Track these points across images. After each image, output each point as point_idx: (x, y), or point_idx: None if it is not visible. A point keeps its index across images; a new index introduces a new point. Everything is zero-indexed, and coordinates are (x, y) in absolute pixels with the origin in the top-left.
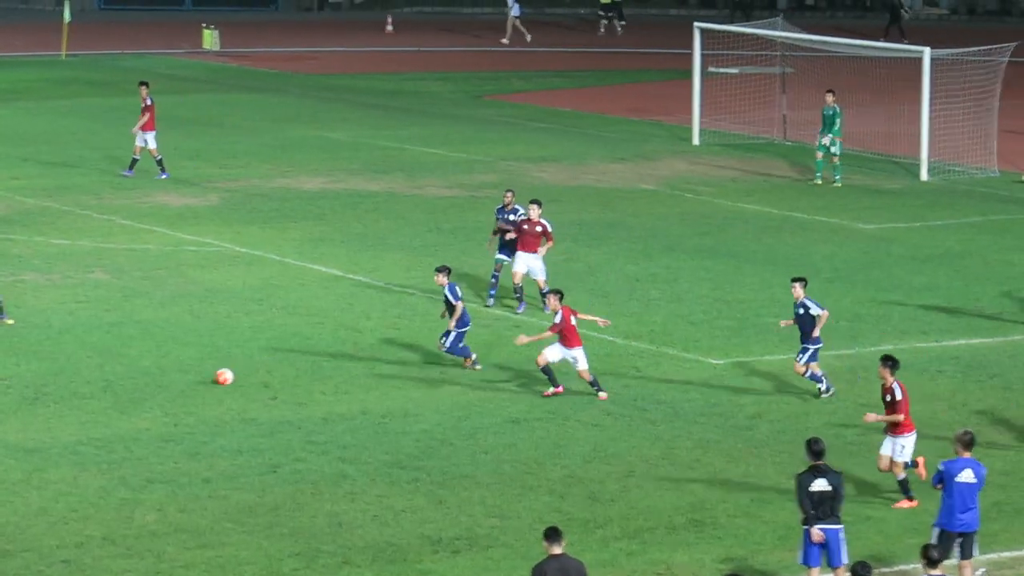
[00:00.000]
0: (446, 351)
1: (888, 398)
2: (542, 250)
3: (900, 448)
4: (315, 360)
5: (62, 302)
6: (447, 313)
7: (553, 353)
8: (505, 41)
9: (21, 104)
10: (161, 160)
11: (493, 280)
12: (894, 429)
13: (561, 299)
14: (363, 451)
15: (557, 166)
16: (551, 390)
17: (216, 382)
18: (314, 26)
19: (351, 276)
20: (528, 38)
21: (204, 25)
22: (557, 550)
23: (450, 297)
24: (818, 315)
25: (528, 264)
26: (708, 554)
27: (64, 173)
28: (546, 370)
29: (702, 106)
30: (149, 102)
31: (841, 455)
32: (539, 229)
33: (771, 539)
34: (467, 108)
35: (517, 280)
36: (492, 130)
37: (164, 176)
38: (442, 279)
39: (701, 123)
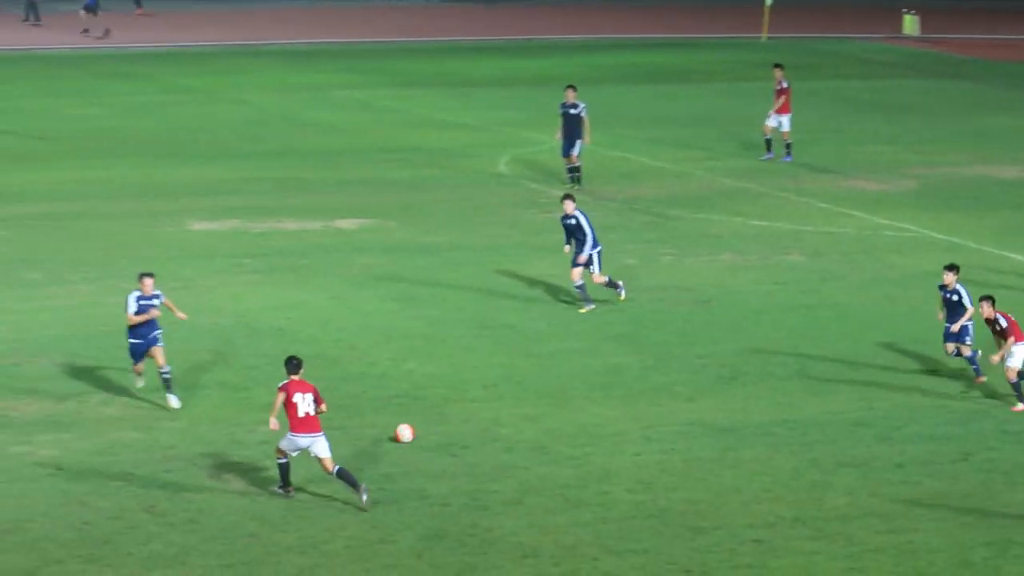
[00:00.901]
0: (968, 357)
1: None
2: None
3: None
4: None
5: (759, 283)
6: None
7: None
8: None
9: (717, 86)
10: (790, 144)
11: None
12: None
13: (993, 304)
14: None
15: None
16: (1020, 406)
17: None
18: (1015, 13)
19: None
20: None
21: (905, 10)
22: None
23: (964, 299)
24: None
25: None
26: None
27: (760, 154)
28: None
29: None
30: (784, 85)
31: None
32: None
33: None
34: None
35: None
36: None
37: (788, 160)
38: (949, 278)
39: None
